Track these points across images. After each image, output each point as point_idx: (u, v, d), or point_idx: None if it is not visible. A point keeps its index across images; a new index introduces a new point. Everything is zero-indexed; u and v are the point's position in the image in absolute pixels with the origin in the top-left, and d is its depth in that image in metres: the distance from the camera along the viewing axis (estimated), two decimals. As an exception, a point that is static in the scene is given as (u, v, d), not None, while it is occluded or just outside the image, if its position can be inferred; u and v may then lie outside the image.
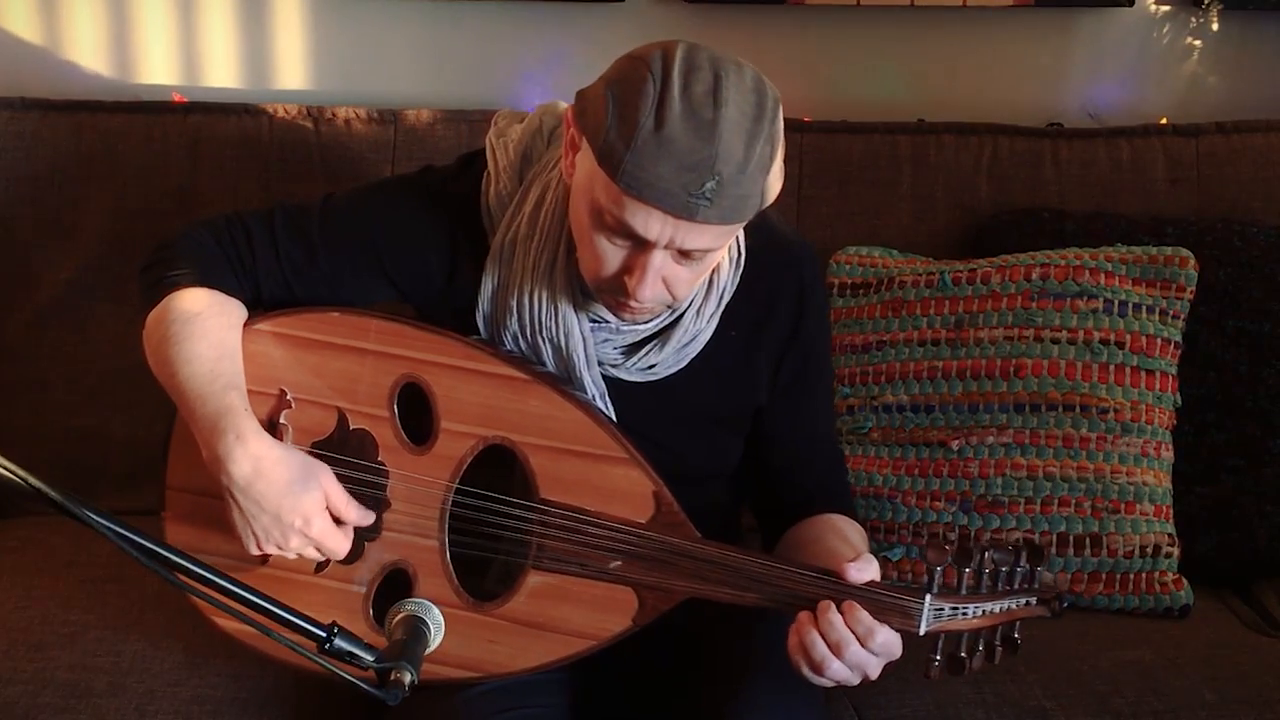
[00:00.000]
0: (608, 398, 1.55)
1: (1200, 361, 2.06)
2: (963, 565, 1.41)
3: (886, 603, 1.39)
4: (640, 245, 1.37)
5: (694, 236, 1.35)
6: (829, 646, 1.37)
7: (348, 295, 1.58)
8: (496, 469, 1.52)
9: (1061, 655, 1.80)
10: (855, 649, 1.36)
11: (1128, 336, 1.98)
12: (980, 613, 1.41)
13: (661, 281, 1.40)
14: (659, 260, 1.38)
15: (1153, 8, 2.40)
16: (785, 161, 1.41)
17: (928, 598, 1.39)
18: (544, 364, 1.54)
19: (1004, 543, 1.45)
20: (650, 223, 1.33)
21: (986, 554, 1.41)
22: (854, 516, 1.65)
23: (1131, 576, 1.93)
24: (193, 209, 2.15)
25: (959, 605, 1.40)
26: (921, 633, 1.39)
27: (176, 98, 2.29)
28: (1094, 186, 2.25)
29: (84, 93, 2.28)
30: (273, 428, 1.54)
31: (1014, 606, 1.43)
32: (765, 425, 1.64)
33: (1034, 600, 1.44)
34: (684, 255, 1.38)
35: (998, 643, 1.43)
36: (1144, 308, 1.99)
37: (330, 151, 2.21)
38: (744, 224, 1.41)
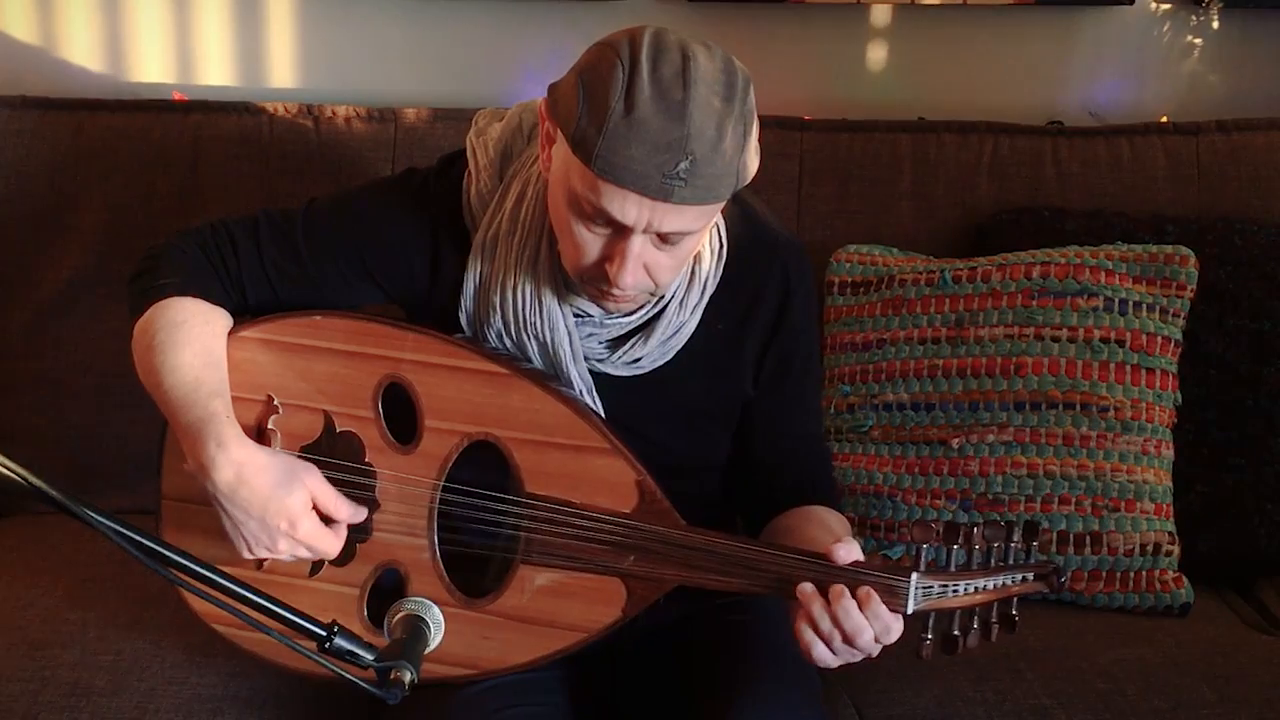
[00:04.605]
0: (595, 392, 1.55)
1: (1201, 360, 2.06)
2: (951, 542, 1.39)
3: (872, 582, 1.37)
4: (619, 231, 1.38)
5: (671, 218, 1.35)
6: (832, 624, 1.35)
7: (334, 298, 1.58)
8: (484, 465, 1.52)
9: (1062, 653, 1.80)
10: (869, 635, 1.35)
11: (1128, 335, 1.98)
12: (973, 589, 1.39)
13: (643, 268, 1.40)
14: (639, 245, 1.38)
15: (1153, 6, 2.39)
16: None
17: (914, 576, 1.37)
18: (530, 361, 1.54)
19: (995, 520, 1.42)
20: (627, 207, 1.34)
21: (976, 529, 1.39)
22: (838, 510, 1.63)
23: (1132, 575, 1.93)
24: (192, 207, 2.15)
25: (948, 582, 1.38)
26: (909, 612, 1.38)
27: (176, 96, 2.29)
28: (1094, 185, 2.25)
29: (83, 91, 2.28)
30: (261, 434, 1.54)
31: (1009, 583, 1.40)
32: (751, 419, 1.63)
33: (1031, 576, 1.41)
34: (663, 239, 1.38)
35: (994, 620, 1.40)
36: (1144, 306, 1.99)
37: (330, 150, 2.20)
38: (721, 205, 1.41)
